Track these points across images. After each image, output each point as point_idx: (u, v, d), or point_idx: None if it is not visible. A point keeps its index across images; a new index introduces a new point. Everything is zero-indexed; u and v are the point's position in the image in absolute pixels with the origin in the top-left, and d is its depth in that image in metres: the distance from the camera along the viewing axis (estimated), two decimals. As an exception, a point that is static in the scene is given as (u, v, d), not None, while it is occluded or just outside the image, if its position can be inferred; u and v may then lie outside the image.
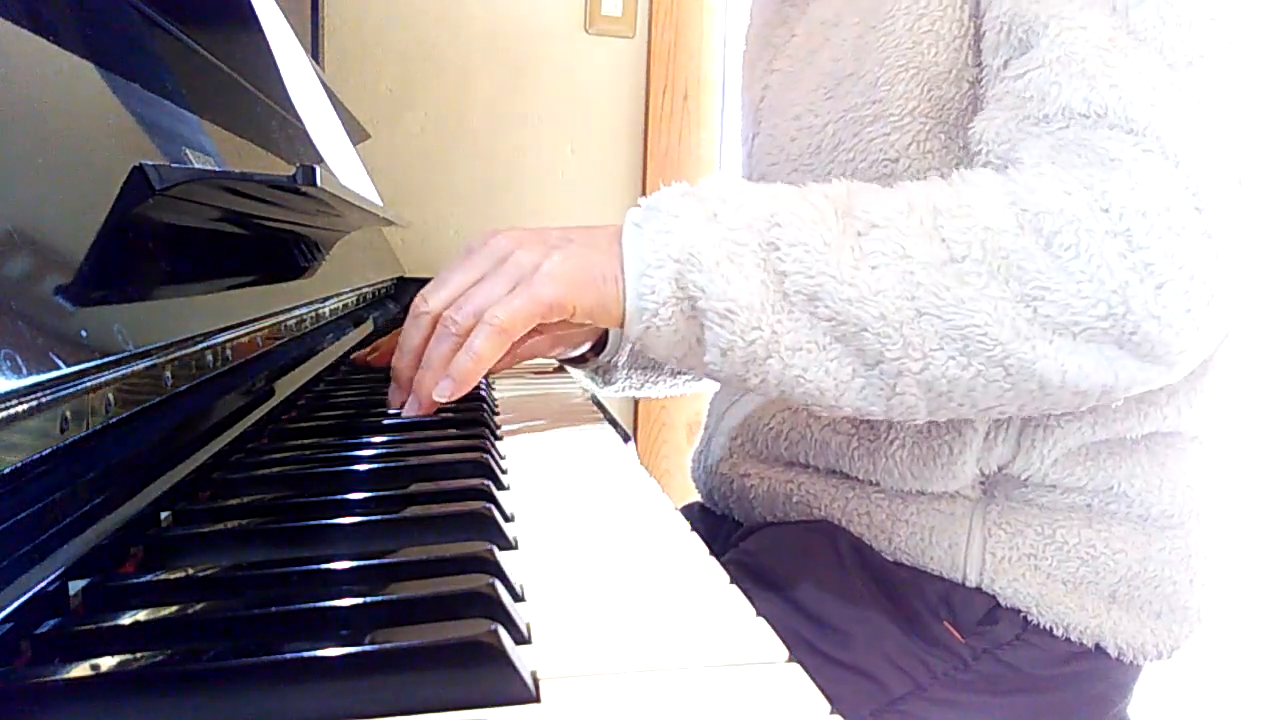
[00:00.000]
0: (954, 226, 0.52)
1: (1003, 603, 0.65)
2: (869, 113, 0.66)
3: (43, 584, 0.29)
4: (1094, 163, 0.52)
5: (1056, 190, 0.51)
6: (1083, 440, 0.64)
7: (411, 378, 0.58)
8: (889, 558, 0.68)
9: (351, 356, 0.83)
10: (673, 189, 0.56)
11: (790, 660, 0.29)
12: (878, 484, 0.69)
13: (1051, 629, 0.64)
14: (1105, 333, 0.50)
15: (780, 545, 0.69)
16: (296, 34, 0.88)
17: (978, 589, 0.65)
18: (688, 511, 0.92)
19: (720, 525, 0.83)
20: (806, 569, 0.66)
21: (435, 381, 0.56)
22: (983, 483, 0.67)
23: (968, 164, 0.62)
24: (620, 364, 0.86)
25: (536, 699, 0.26)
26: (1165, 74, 0.52)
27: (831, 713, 0.26)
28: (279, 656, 0.25)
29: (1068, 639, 0.64)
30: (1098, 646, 0.65)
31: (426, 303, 0.57)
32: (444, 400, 0.56)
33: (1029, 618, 0.65)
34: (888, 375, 0.53)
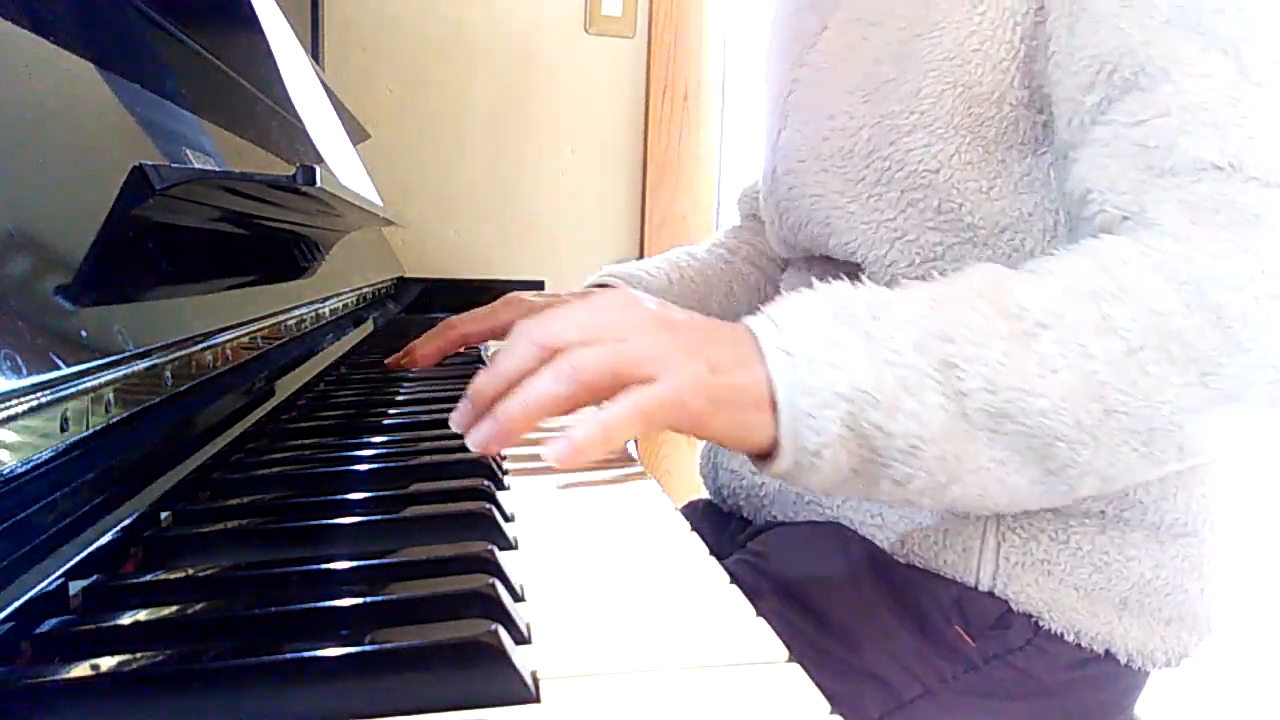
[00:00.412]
0: (1123, 315, 0.49)
1: (1015, 608, 0.65)
2: (908, 122, 0.64)
3: (43, 584, 0.29)
4: (1238, 221, 0.51)
5: (1211, 256, 0.50)
6: None
7: (494, 401, 0.49)
8: (901, 560, 0.68)
9: (385, 361, 0.82)
10: (805, 301, 0.50)
11: (790, 660, 0.29)
12: None
13: (1062, 634, 0.64)
14: (1265, 393, 0.50)
15: (789, 546, 0.68)
16: (296, 34, 0.88)
17: (990, 593, 0.65)
18: (692, 508, 0.91)
19: (727, 523, 0.83)
20: (816, 570, 0.65)
21: (528, 419, 0.47)
22: None
23: (1027, 190, 0.62)
24: None
25: (536, 699, 0.26)
26: None
27: (832, 713, 0.26)
28: (279, 656, 0.25)
29: (1078, 644, 0.64)
30: (1107, 652, 0.65)
31: (548, 331, 0.48)
32: (554, 460, 0.45)
33: (1040, 623, 0.64)
34: (1071, 478, 0.51)
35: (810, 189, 0.72)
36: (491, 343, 0.92)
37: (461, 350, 0.86)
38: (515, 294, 0.86)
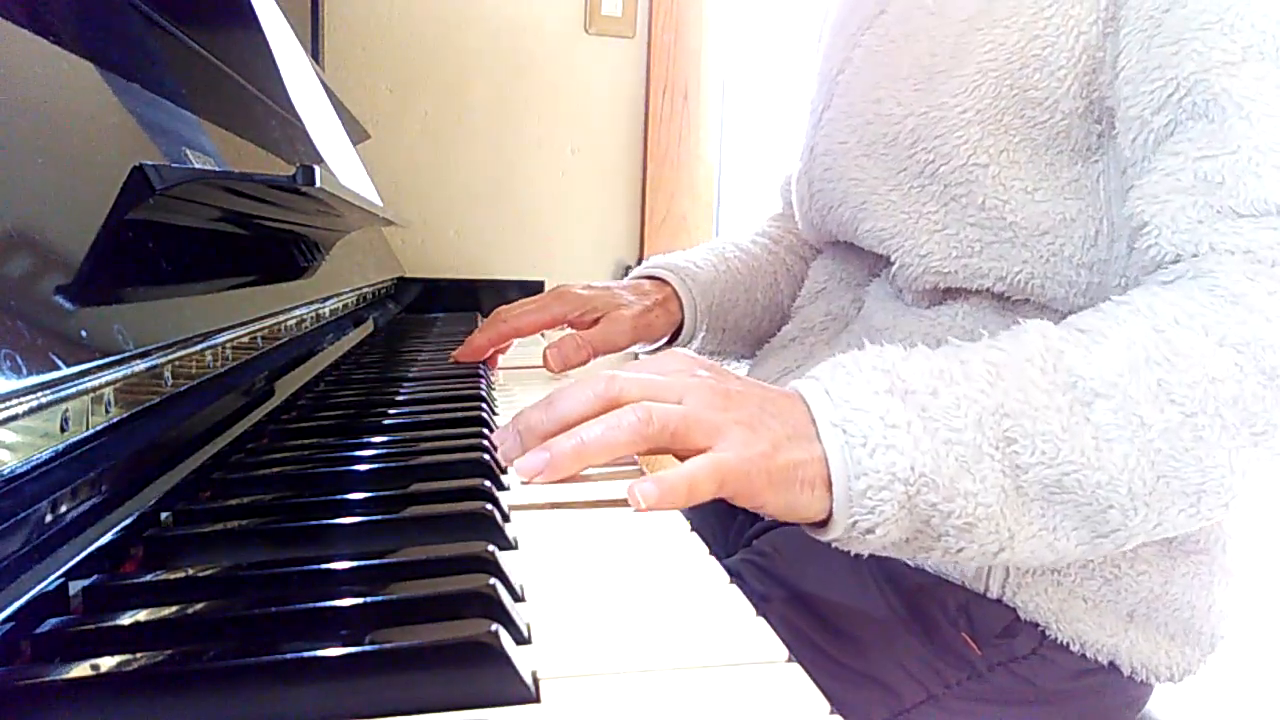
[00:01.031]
0: (1178, 382, 0.49)
1: (1023, 616, 0.64)
2: (959, 117, 0.64)
3: (43, 584, 0.29)
4: None
5: (1265, 318, 0.50)
6: None
7: (549, 437, 0.49)
8: (911, 564, 0.68)
9: (450, 357, 0.84)
10: (860, 372, 0.49)
11: (790, 660, 0.29)
12: None
13: (1068, 644, 0.64)
14: None
15: (796, 548, 0.68)
16: (296, 34, 0.88)
17: (999, 601, 0.65)
18: (697, 505, 0.91)
19: (733, 518, 0.83)
20: (822, 572, 0.65)
21: (581, 460, 0.47)
22: None
23: (1072, 196, 0.61)
24: (693, 350, 0.86)
25: (536, 699, 0.26)
26: None
27: (832, 713, 0.26)
28: (279, 656, 0.25)
29: (1083, 655, 0.64)
30: (1111, 664, 0.65)
31: (612, 385, 0.49)
32: (641, 497, 0.45)
33: (1047, 632, 0.64)
34: (1119, 539, 0.51)
35: (849, 172, 0.71)
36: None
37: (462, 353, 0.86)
38: (565, 287, 0.86)
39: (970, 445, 0.48)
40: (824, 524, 0.49)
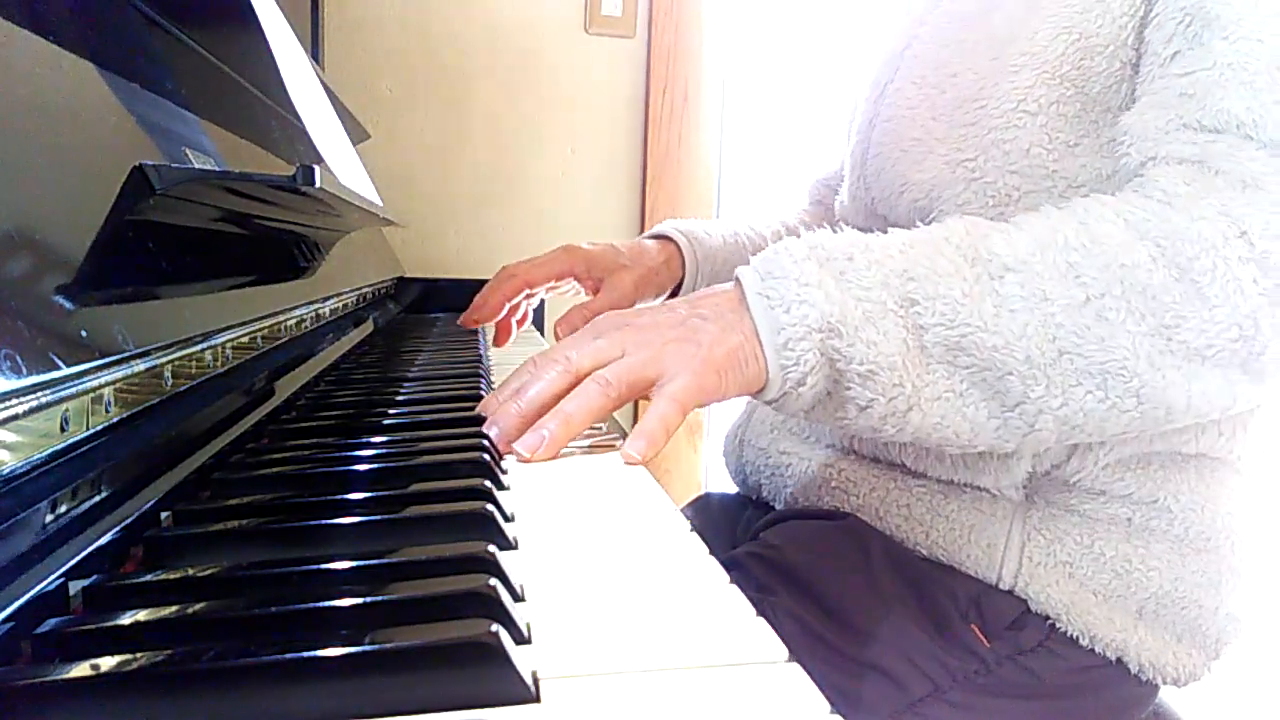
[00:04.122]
0: (1089, 265, 0.53)
1: (1033, 608, 0.65)
2: (1018, 62, 0.65)
3: (43, 584, 0.29)
4: (1234, 185, 0.53)
5: (1189, 218, 0.52)
6: (1138, 449, 0.65)
7: (533, 421, 0.54)
8: (924, 552, 0.68)
9: (459, 321, 0.87)
10: (788, 250, 0.55)
11: (790, 660, 0.29)
12: (923, 474, 0.69)
13: (1077, 638, 0.64)
14: (1234, 355, 0.52)
15: (804, 540, 0.68)
16: (296, 34, 0.88)
17: (1010, 592, 0.65)
18: (704, 503, 0.91)
19: (741, 512, 0.83)
20: (830, 564, 0.65)
21: (570, 433, 0.53)
22: (1028, 484, 0.67)
23: (1109, 155, 0.63)
24: None
25: (536, 699, 0.26)
26: None
27: (834, 711, 0.26)
28: (279, 656, 0.25)
29: (1091, 650, 0.65)
30: (1119, 660, 0.65)
31: (569, 362, 0.55)
32: (637, 454, 0.52)
33: (1057, 625, 0.65)
34: (1028, 415, 0.54)
35: (912, 132, 0.72)
36: (492, 350, 0.93)
37: (463, 352, 0.86)
38: (571, 244, 0.90)
39: (876, 302, 0.53)
40: (764, 388, 0.55)
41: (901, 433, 0.55)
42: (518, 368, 0.58)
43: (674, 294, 0.92)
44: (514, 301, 0.91)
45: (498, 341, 0.97)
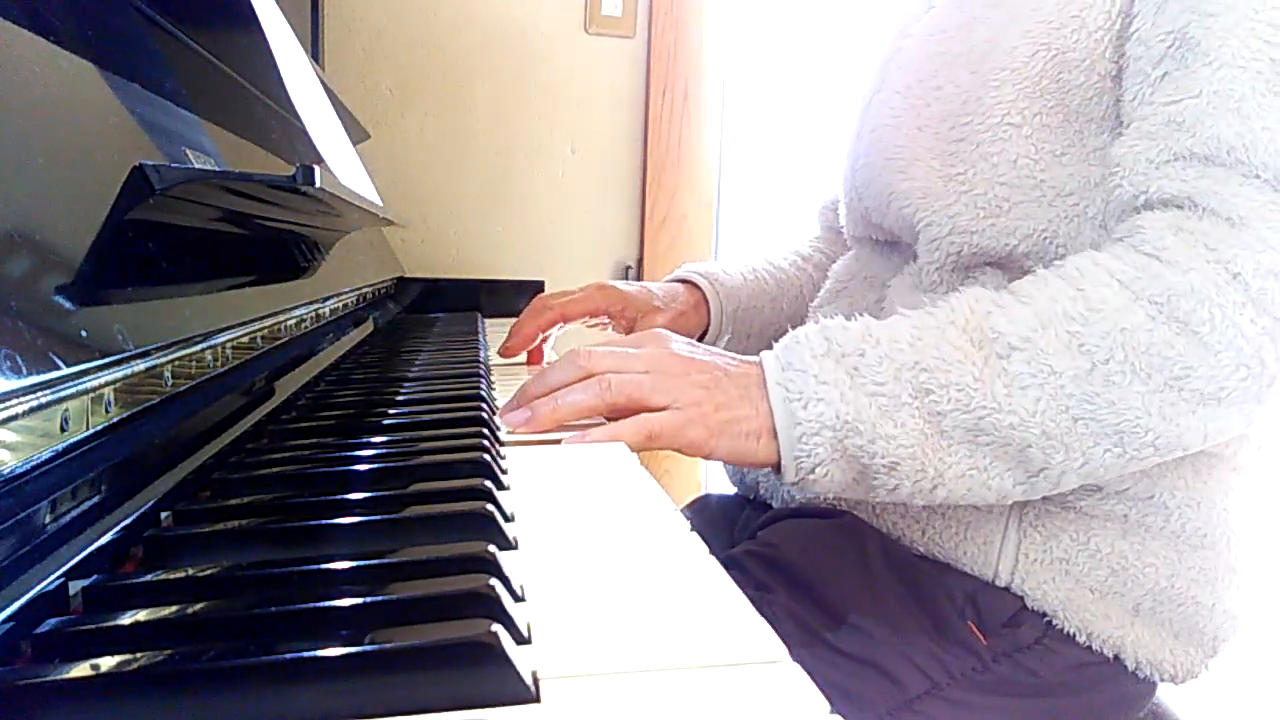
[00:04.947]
0: (1090, 333, 0.55)
1: (1029, 604, 0.65)
2: (999, 78, 0.66)
3: (43, 584, 0.29)
4: (1221, 226, 0.55)
5: (1180, 270, 0.54)
6: None
7: (535, 399, 0.60)
8: (921, 550, 0.68)
9: (498, 352, 0.89)
10: (807, 342, 0.59)
11: (790, 660, 0.29)
12: None
13: (1074, 635, 0.64)
14: (1246, 390, 0.54)
15: (801, 537, 0.68)
16: (296, 34, 0.88)
17: (1006, 589, 0.66)
18: (703, 504, 0.92)
19: (740, 512, 0.83)
20: (828, 562, 0.66)
21: (556, 418, 0.58)
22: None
23: (1096, 163, 0.64)
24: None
25: (536, 699, 0.26)
26: None
27: (833, 711, 0.26)
28: (279, 656, 0.25)
29: (1088, 646, 0.65)
30: (1116, 657, 0.65)
31: (590, 360, 0.60)
32: (566, 439, 0.57)
33: (1053, 622, 0.65)
34: (1051, 477, 0.57)
35: (896, 141, 0.73)
36: (493, 351, 0.93)
37: (463, 352, 0.86)
38: (607, 282, 0.93)
39: (890, 396, 0.56)
40: (780, 471, 0.58)
41: (931, 501, 0.58)
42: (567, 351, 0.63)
43: (701, 338, 0.93)
44: (547, 333, 0.92)
45: (531, 362, 0.99)
